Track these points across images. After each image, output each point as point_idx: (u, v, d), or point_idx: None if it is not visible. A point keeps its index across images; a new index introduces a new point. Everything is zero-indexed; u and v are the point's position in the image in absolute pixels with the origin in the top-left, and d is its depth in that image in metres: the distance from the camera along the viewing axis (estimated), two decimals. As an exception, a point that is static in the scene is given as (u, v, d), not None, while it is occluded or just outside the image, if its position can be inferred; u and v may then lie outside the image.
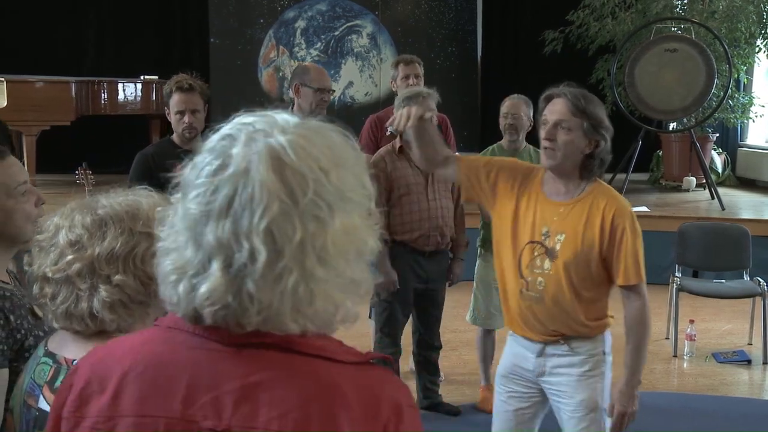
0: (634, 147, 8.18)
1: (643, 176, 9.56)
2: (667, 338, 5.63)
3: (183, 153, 3.60)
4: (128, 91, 8.90)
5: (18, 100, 7.61)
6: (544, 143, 2.68)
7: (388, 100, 4.37)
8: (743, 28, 8.69)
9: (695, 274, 6.46)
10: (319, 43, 11.16)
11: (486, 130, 9.87)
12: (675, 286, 5.50)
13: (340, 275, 1.03)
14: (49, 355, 1.52)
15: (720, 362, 5.34)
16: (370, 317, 4.53)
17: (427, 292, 4.25)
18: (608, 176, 7.74)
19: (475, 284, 4.49)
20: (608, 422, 2.79)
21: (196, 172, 1.03)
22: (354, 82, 11.26)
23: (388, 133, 4.60)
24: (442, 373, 4.58)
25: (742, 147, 9.93)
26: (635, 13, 8.96)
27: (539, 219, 2.73)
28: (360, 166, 1.07)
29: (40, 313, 1.88)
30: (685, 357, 5.40)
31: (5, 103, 7.40)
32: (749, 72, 9.54)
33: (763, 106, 9.50)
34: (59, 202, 4.01)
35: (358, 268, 1.06)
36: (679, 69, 7.99)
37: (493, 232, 2.93)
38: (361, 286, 1.07)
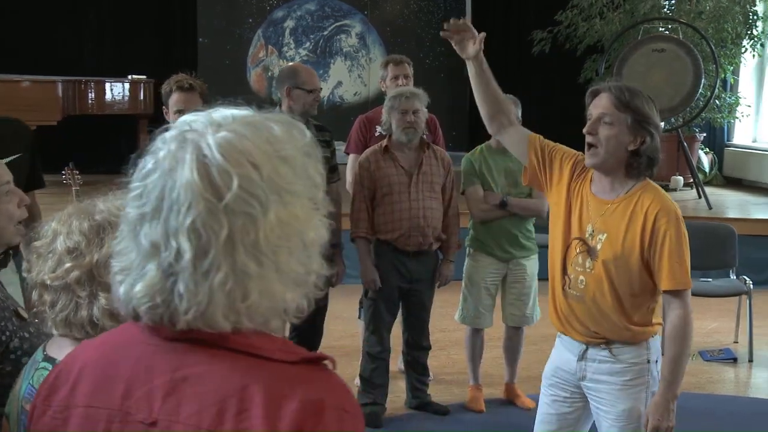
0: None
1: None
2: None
3: None
4: (116, 90, 8.87)
5: (3, 100, 7.56)
6: (587, 138, 2.59)
7: (377, 100, 4.38)
8: (729, 29, 8.74)
9: (682, 273, 6.48)
10: (308, 43, 11.16)
11: (475, 130, 9.88)
12: (662, 285, 5.51)
13: (279, 269, 1.02)
14: (49, 360, 1.51)
15: (706, 360, 5.37)
16: (359, 317, 4.54)
17: (412, 292, 4.26)
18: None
19: (463, 283, 4.49)
20: None
21: (135, 174, 1.05)
22: (343, 81, 11.26)
23: (377, 134, 4.62)
24: (431, 373, 4.58)
25: (729, 146, 9.99)
26: (623, 13, 9.00)
27: (585, 216, 2.64)
28: (306, 157, 1.07)
29: (25, 315, 1.88)
30: (672, 355, 5.42)
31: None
32: (735, 72, 9.59)
33: (749, 106, 9.56)
34: (45, 202, 3.99)
35: (302, 260, 1.05)
36: (667, 69, 8.02)
37: (549, 222, 2.81)
38: (307, 278, 1.07)
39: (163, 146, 1.04)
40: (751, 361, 5.38)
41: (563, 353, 2.78)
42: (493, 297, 4.46)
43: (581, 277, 2.64)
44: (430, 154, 4.19)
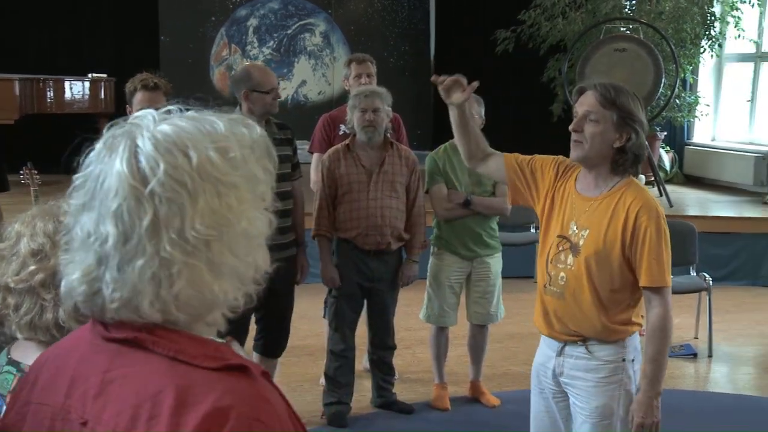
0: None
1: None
2: (617, 333, 5.71)
3: None
4: (75, 89, 8.74)
5: (-41, 98, 7.43)
6: (572, 135, 2.62)
7: (342, 98, 4.37)
8: (688, 29, 8.86)
9: (644, 270, 6.57)
10: (272, 42, 11.10)
11: (439, 128, 9.91)
12: (624, 282, 5.57)
13: (210, 259, 1.02)
14: (13, 363, 1.49)
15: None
16: (324, 316, 4.53)
17: (373, 291, 4.26)
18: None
19: (428, 282, 4.50)
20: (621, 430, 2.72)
21: (81, 167, 1.08)
22: (307, 80, 11.23)
23: (340, 132, 4.61)
24: (396, 372, 4.59)
25: (689, 145, 10.13)
26: (585, 13, 9.08)
27: (569, 214, 2.68)
28: (249, 151, 1.06)
29: None
30: (634, 352, 5.49)
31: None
32: (695, 72, 9.73)
33: (708, 105, 9.71)
34: (3, 203, 3.92)
35: (237, 252, 1.04)
36: (629, 68, 8.11)
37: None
38: (244, 271, 1.06)
39: (105, 140, 1.05)
40: (710, 356, 5.47)
41: (544, 350, 2.82)
42: (457, 295, 4.47)
43: (562, 274, 2.67)
44: (393, 153, 4.18)
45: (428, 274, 4.49)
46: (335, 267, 4.19)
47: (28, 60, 9.61)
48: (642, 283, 2.60)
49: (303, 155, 4.39)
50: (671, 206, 7.90)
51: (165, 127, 1.03)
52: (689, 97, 9.51)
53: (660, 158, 9.45)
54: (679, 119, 9.47)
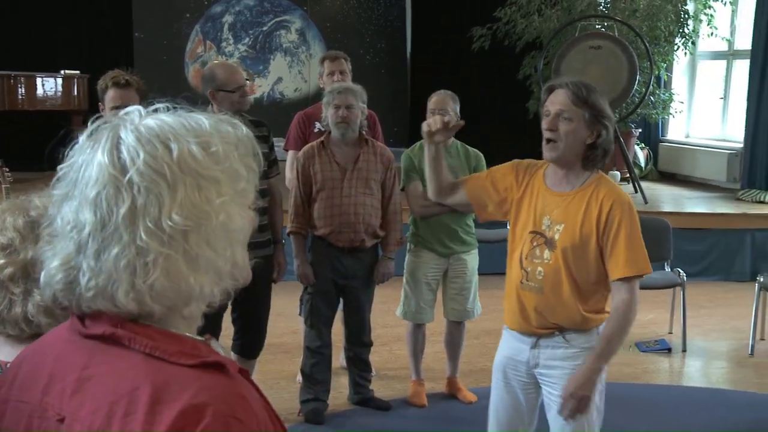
0: (560, 142, 8.32)
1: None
2: (593, 329, 5.75)
3: None
4: (48, 86, 8.64)
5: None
6: (546, 134, 2.67)
7: (318, 95, 4.35)
8: (663, 27, 8.94)
9: (619, 266, 6.61)
10: (247, 38, 11.05)
11: (416, 125, 9.90)
12: (600, 278, 5.60)
13: (187, 252, 1.02)
14: None
15: (643, 351, 5.49)
16: (300, 314, 4.52)
17: (348, 289, 4.25)
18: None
19: (405, 279, 4.50)
20: (597, 419, 2.78)
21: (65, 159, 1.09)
22: (283, 77, 11.19)
23: (315, 130, 4.60)
24: (373, 368, 4.58)
25: (663, 142, 10.21)
26: (561, 10, 9.13)
27: (540, 210, 2.74)
28: (233, 148, 1.07)
29: None
30: (610, 347, 5.52)
31: None
32: (669, 69, 9.81)
33: (682, 103, 9.80)
34: (-27, 201, 3.85)
35: (216, 246, 1.04)
36: (603, 66, 8.16)
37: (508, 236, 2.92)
38: (221, 266, 1.06)
39: (89, 132, 1.07)
40: (684, 351, 5.52)
41: (514, 343, 2.85)
42: (434, 292, 4.48)
43: (539, 269, 2.72)
44: (368, 150, 4.17)
45: (405, 271, 4.49)
46: (310, 264, 4.18)
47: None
48: (619, 274, 2.65)
49: (280, 153, 4.37)
50: (646, 203, 7.96)
51: (149, 121, 1.05)
52: (663, 94, 9.59)
53: (635, 155, 9.52)
54: (653, 116, 9.55)
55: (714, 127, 9.92)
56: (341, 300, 4.32)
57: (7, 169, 4.19)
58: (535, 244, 2.72)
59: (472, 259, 4.47)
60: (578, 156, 2.69)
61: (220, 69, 3.93)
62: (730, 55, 9.66)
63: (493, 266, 6.19)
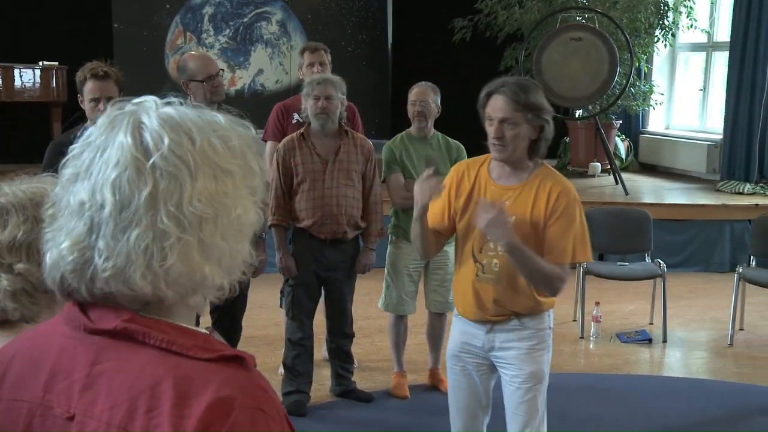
0: (541, 134, 8.33)
1: (550, 162, 9.68)
2: (575, 320, 5.78)
3: None
4: (26, 77, 8.54)
5: None
6: (493, 141, 2.78)
7: (299, 87, 4.33)
8: (643, 19, 8.97)
9: (601, 258, 6.66)
10: (228, 30, 10.97)
11: (397, 117, 9.90)
12: (581, 270, 5.64)
13: (202, 240, 1.02)
14: None
15: (623, 342, 5.52)
16: (281, 306, 4.51)
17: (330, 280, 4.24)
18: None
19: (386, 271, 4.50)
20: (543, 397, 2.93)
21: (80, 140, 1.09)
22: (264, 69, 11.13)
23: (294, 121, 4.58)
24: (355, 360, 4.58)
25: (644, 133, 10.26)
26: (541, 2, 9.13)
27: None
28: (247, 147, 1.09)
29: None
30: (591, 338, 5.56)
31: None
32: (649, 61, 9.85)
33: (662, 94, 9.85)
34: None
35: (228, 238, 1.05)
36: (584, 57, 8.18)
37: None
38: (232, 258, 1.07)
39: (107, 116, 1.07)
40: (665, 341, 5.56)
41: (468, 329, 2.97)
42: (415, 284, 4.48)
43: (495, 261, 2.84)
44: (348, 142, 4.16)
45: (386, 262, 4.49)
46: (292, 256, 4.17)
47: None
48: (553, 260, 2.76)
49: (261, 144, 4.34)
50: (627, 194, 8.01)
51: (169, 110, 1.06)
52: (644, 86, 9.63)
53: (616, 146, 9.56)
54: (634, 108, 9.59)
55: (694, 118, 9.99)
56: (322, 291, 4.31)
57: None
58: (488, 237, 2.80)
59: (454, 250, 4.47)
60: (525, 151, 2.81)
61: (191, 59, 4.00)
62: (710, 47, 9.71)
63: (475, 258, 6.25)
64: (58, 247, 1.04)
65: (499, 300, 2.85)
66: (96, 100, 3.62)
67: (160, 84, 9.80)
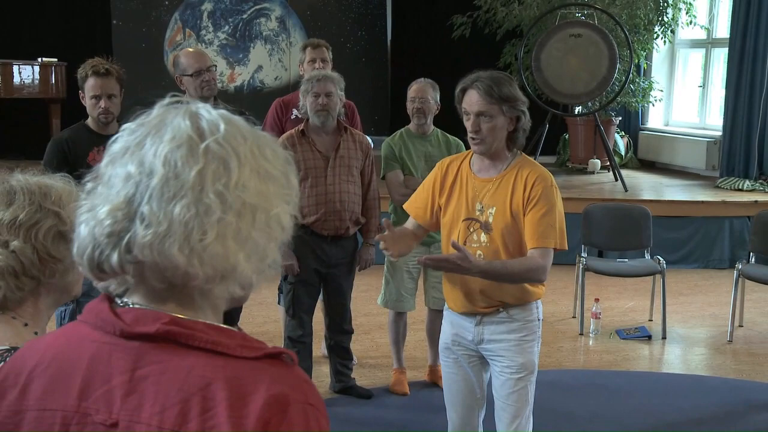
0: (540, 130, 8.34)
1: (550, 159, 9.77)
2: (574, 317, 5.78)
3: (99, 138, 3.55)
4: (25, 74, 8.54)
5: None
6: (471, 135, 2.82)
7: (298, 84, 4.33)
8: (642, 15, 8.96)
9: (600, 254, 6.66)
10: (227, 26, 10.95)
11: (396, 114, 9.91)
12: (581, 266, 5.64)
13: (239, 228, 1.03)
14: None
15: (623, 338, 5.52)
16: (279, 303, 4.50)
17: (330, 277, 4.24)
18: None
19: (385, 268, 4.50)
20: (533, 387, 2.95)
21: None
22: (263, 66, 11.11)
23: (293, 117, 4.58)
24: (355, 357, 4.58)
25: (643, 130, 10.26)
26: (540, -2, 9.13)
27: (472, 196, 2.89)
28: (287, 162, 1.12)
29: None
30: (590, 335, 5.56)
31: None
32: (648, 57, 9.85)
33: (661, 91, 9.84)
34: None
35: (263, 234, 1.06)
36: (583, 54, 8.18)
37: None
38: (263, 255, 1.07)
39: (161, 105, 1.10)
40: (664, 338, 5.56)
41: (459, 322, 3.02)
42: (415, 281, 4.48)
43: (479, 252, 2.86)
44: (347, 138, 4.16)
45: (386, 259, 4.49)
46: (293, 254, 4.16)
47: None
48: (531, 245, 2.79)
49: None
50: (626, 190, 8.00)
51: (222, 112, 1.09)
52: (643, 82, 9.63)
53: (615, 143, 9.55)
54: (633, 104, 9.59)
55: (693, 115, 9.98)
56: (321, 288, 4.31)
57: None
58: (471, 229, 2.87)
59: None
60: (503, 143, 2.85)
61: (183, 55, 4.07)
62: (709, 43, 9.71)
63: (475, 254, 6.26)
64: (95, 214, 1.04)
65: (485, 290, 2.88)
66: (97, 97, 3.66)
67: (159, 80, 9.79)
